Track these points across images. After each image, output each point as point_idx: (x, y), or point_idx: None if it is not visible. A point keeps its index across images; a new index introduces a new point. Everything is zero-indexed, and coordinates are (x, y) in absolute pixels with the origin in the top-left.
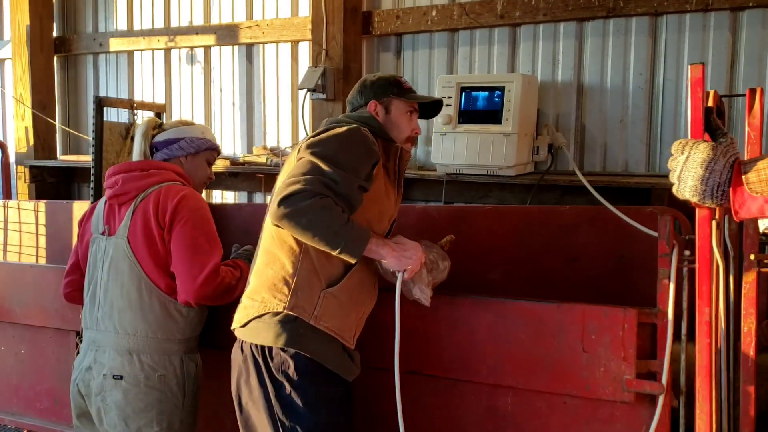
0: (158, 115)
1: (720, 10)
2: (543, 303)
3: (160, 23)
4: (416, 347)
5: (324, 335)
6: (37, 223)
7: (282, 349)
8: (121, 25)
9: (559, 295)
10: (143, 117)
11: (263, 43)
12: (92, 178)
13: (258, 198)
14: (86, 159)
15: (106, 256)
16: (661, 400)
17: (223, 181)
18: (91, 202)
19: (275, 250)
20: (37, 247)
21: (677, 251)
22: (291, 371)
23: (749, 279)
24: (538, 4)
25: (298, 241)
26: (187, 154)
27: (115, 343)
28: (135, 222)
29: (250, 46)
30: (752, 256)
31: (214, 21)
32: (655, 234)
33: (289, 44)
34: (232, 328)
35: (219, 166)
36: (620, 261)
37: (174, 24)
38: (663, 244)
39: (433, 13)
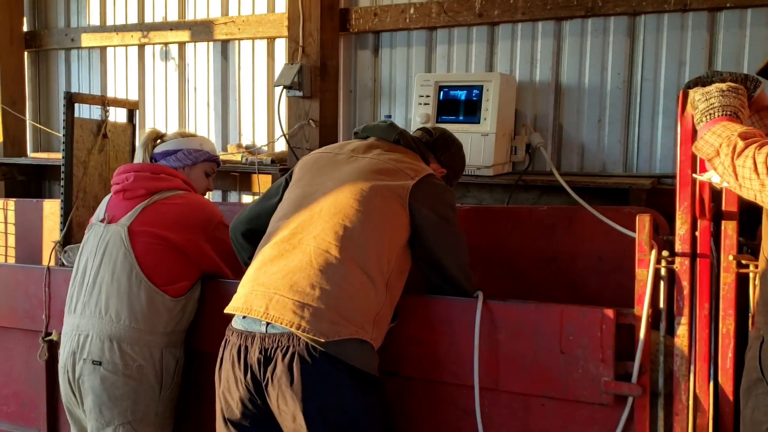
0: (130, 116)
1: (698, 11)
2: (521, 303)
3: (133, 19)
4: (394, 348)
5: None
6: (6, 222)
7: (373, 375)
8: (94, 20)
9: (537, 296)
10: (116, 114)
11: (239, 39)
12: (63, 175)
13: (233, 197)
14: (57, 156)
15: (101, 242)
16: (634, 401)
17: None
18: (62, 201)
19: (375, 275)
20: (6, 247)
21: (655, 252)
22: (378, 390)
23: (727, 280)
24: (517, 3)
25: (385, 276)
26: (184, 166)
27: (99, 328)
28: (146, 215)
29: (225, 43)
30: (730, 257)
31: (189, 17)
32: (634, 234)
33: (265, 41)
34: (307, 333)
35: None
36: (598, 261)
37: (148, 19)
38: (641, 245)
39: (411, 11)
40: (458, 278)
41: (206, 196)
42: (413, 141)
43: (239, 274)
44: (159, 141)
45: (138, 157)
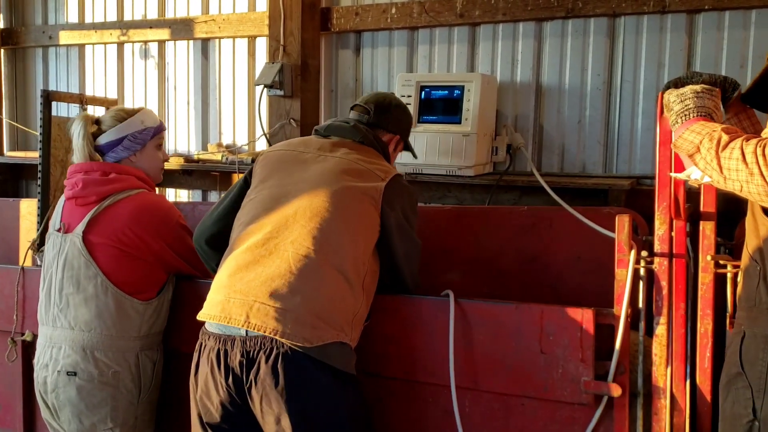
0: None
1: (677, 12)
2: (501, 303)
3: (112, 16)
4: (373, 349)
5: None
6: None
7: (352, 374)
8: (72, 17)
9: (517, 296)
10: (95, 112)
11: (219, 38)
12: (40, 175)
13: (213, 197)
14: (34, 155)
15: (61, 253)
16: (606, 400)
17: (176, 179)
18: (39, 200)
19: (352, 277)
20: None
21: (635, 252)
22: (359, 389)
23: (706, 280)
24: (498, 4)
25: (361, 277)
26: (134, 152)
27: (71, 339)
28: (99, 223)
29: (205, 41)
30: (708, 257)
31: (169, 15)
32: (613, 235)
33: (245, 39)
34: (290, 340)
35: (173, 163)
36: (578, 261)
37: (127, 17)
38: (621, 246)
39: (393, 10)
40: (408, 284)
41: (159, 191)
42: (376, 140)
43: (205, 273)
44: (96, 128)
45: (79, 152)
